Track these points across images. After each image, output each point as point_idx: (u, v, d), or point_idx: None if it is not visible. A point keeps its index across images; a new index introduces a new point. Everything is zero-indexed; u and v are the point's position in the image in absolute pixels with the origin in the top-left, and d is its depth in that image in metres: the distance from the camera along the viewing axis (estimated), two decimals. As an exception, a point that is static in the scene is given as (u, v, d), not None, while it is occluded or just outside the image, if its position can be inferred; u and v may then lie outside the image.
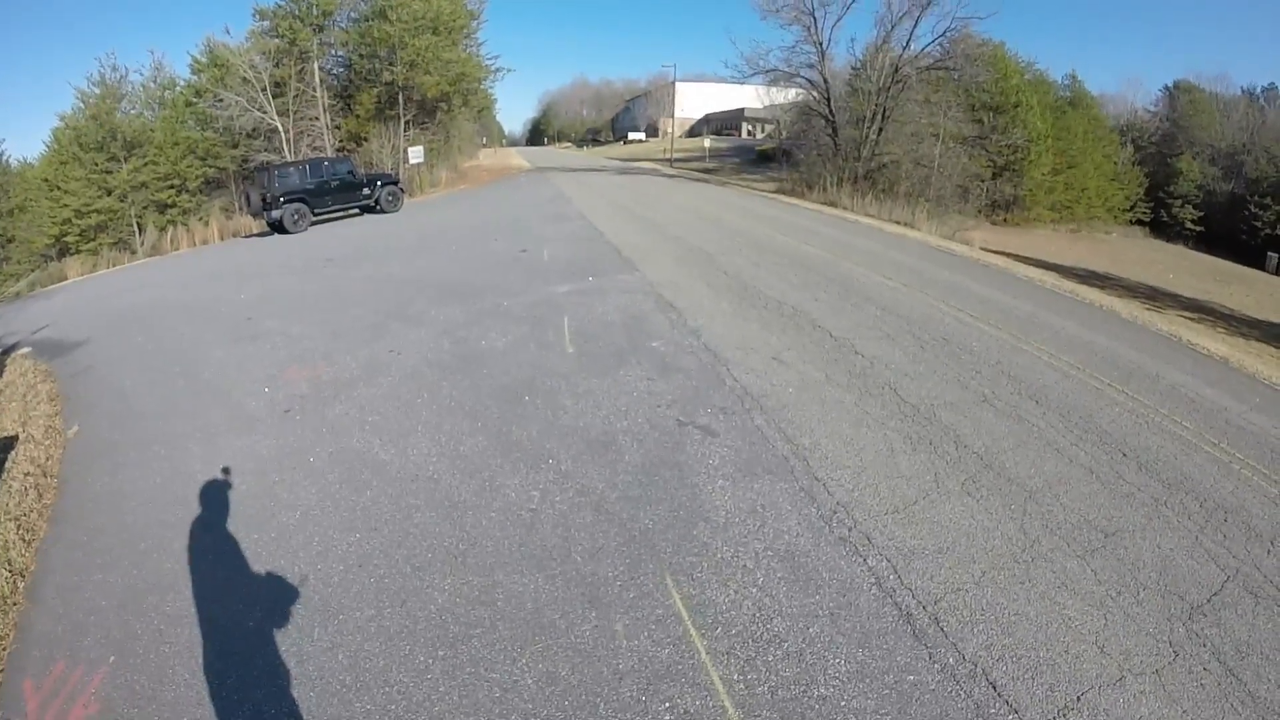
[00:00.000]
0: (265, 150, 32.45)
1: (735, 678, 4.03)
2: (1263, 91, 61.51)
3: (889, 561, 5.05)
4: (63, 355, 11.60)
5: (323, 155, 31.71)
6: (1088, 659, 4.20)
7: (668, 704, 3.87)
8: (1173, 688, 4.02)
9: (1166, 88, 63.68)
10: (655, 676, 4.05)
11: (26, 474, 7.11)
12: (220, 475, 6.68)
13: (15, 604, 5.16)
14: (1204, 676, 4.11)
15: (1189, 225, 52.13)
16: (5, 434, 8.25)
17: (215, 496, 6.31)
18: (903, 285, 13.06)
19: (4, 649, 4.70)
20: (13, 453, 7.69)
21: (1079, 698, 3.93)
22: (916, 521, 5.54)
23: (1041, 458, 6.59)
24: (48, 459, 7.56)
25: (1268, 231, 46.94)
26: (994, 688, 3.97)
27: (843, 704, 3.86)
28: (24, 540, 5.93)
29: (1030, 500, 5.87)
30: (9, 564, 5.55)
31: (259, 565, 5.26)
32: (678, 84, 75.90)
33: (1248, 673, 4.16)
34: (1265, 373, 9.88)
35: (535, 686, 4.01)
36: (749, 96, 60.03)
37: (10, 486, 6.83)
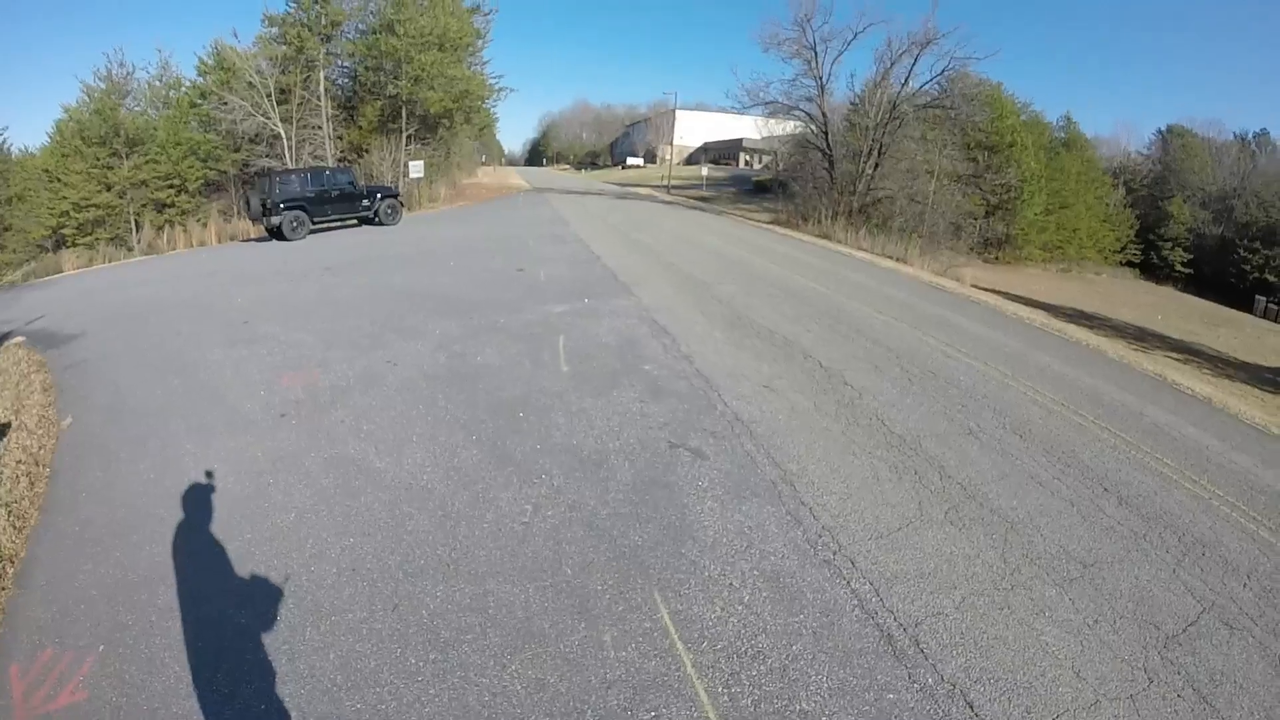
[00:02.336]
0: (267, 156, 32.60)
1: (720, 690, 4.12)
2: (1254, 137, 62.39)
3: (871, 584, 5.15)
4: (57, 347, 11.59)
5: (324, 165, 31.90)
6: (1064, 683, 4.30)
7: (653, 713, 3.95)
8: (1147, 713, 4.12)
9: (1159, 131, 64.84)
10: (642, 686, 4.13)
11: (19, 462, 7.11)
12: (215, 474, 6.72)
13: (3, 589, 5.18)
14: (1178, 703, 4.22)
15: (1179, 268, 52.81)
16: (-2, 423, 8.25)
17: (209, 495, 6.35)
18: (893, 319, 13.24)
19: (-9, 633, 4.72)
20: (4, 440, 7.69)
21: (1054, 721, 4.03)
22: (900, 547, 5.65)
23: (1024, 490, 6.72)
24: (40, 448, 7.56)
25: (1256, 275, 47.66)
26: (971, 708, 4.07)
27: (823, 719, 3.95)
28: (14, 527, 5.94)
29: (1011, 530, 5.99)
30: (-1, 550, 5.58)
31: (251, 564, 5.31)
32: (678, 111, 76.62)
33: (1221, 700, 4.27)
34: (1248, 413, 10.05)
35: (524, 692, 4.08)
36: (748, 127, 60.73)
37: (1, 473, 6.84)
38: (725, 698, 4.07)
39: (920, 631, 4.68)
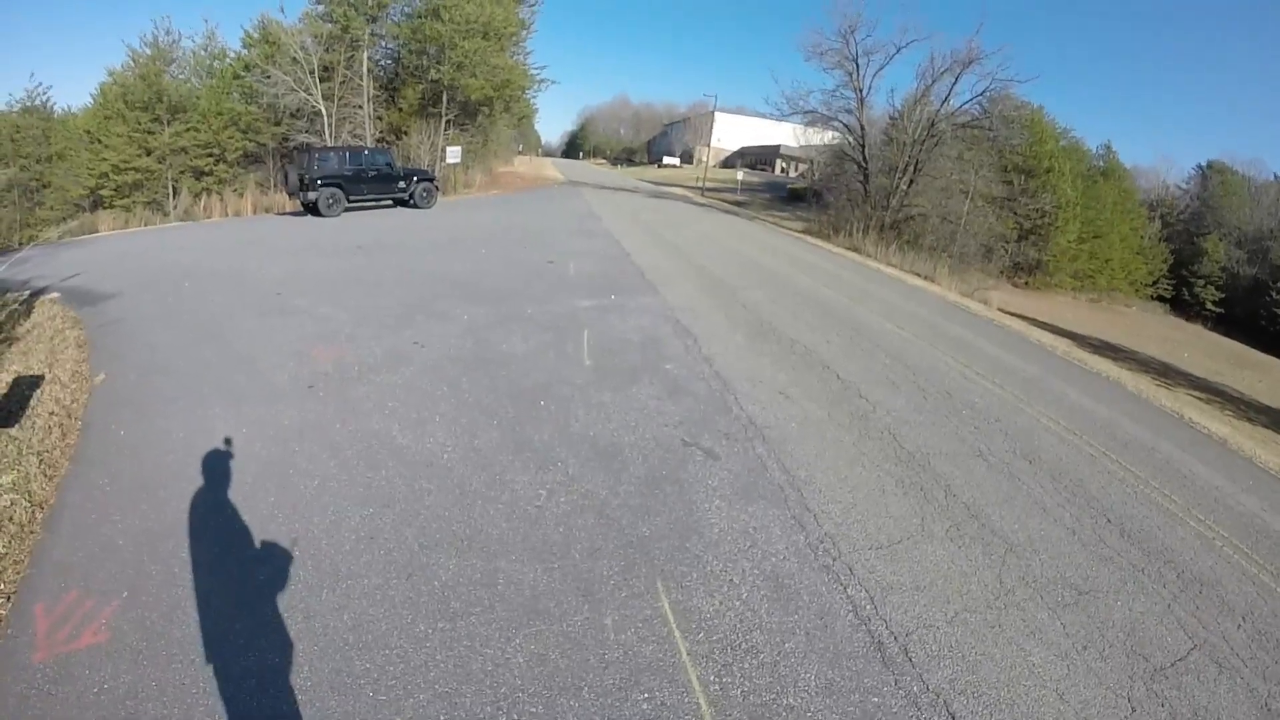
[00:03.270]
0: (306, 132, 32.93)
1: (711, 679, 4.28)
2: (1295, 178, 61.30)
3: (867, 592, 5.29)
4: (92, 305, 11.82)
5: (363, 144, 32.27)
6: (1046, 704, 4.41)
7: (646, 695, 4.12)
8: (1127, 742, 4.19)
9: (1199, 166, 63.86)
10: (637, 669, 4.30)
11: (51, 413, 7.34)
12: (243, 438, 6.93)
13: (33, 533, 5.40)
14: (1158, 735, 4.28)
15: (1210, 306, 52.05)
16: (32, 373, 8.47)
17: (236, 457, 6.56)
18: (915, 337, 13.31)
19: (18, 574, 4.93)
20: (38, 391, 7.91)
21: (1033, 739, 4.14)
22: (898, 559, 5.78)
23: (1027, 514, 6.81)
24: (73, 402, 7.79)
25: (1289, 319, 46.89)
26: (953, 718, 4.20)
27: (808, 715, 4.10)
28: (45, 475, 6.17)
29: (1010, 552, 6.09)
30: (29, 495, 5.79)
31: (274, 526, 5.52)
32: (717, 114, 76.36)
33: (1202, 737, 4.32)
34: (1263, 456, 9.99)
35: (525, 665, 4.27)
36: (786, 134, 60.57)
37: (34, 423, 7.06)
38: (716, 686, 4.23)
39: (910, 641, 4.81)
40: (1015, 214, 39.67)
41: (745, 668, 4.40)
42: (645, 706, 4.04)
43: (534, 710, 3.96)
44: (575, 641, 4.50)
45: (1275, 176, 61.74)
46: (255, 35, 33.94)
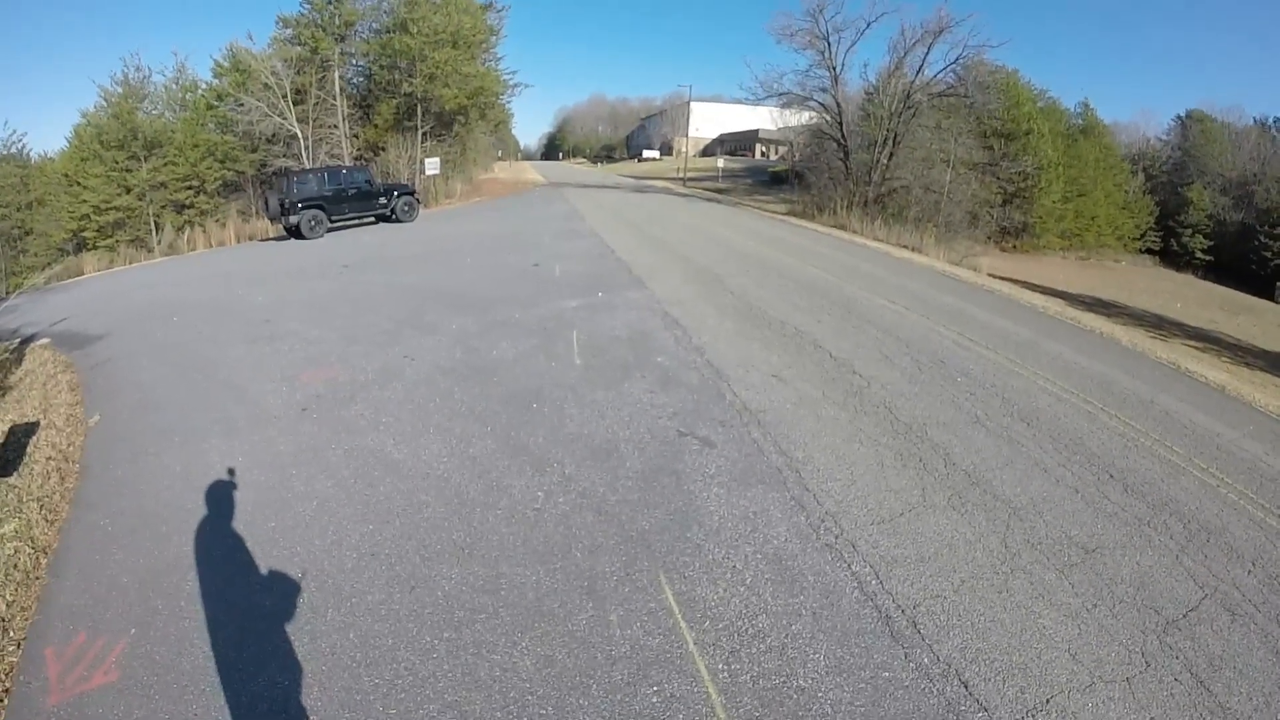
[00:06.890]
0: (284, 156, 32.92)
1: (720, 667, 4.27)
2: (1275, 122, 61.24)
3: (872, 568, 5.27)
4: (82, 348, 11.87)
5: (341, 163, 32.25)
6: (1059, 665, 4.39)
7: (656, 688, 4.11)
8: (1143, 696, 4.18)
9: (1179, 117, 63.92)
10: (645, 663, 4.29)
11: (49, 458, 7.37)
12: (239, 467, 6.93)
13: (38, 578, 5.41)
14: (1174, 687, 4.27)
15: (1199, 255, 52.18)
16: (27, 420, 8.49)
17: (234, 486, 6.56)
18: (905, 309, 13.28)
19: (27, 619, 4.94)
20: (34, 438, 7.94)
21: (1048, 700, 4.12)
22: (901, 532, 5.76)
23: (1028, 477, 6.79)
24: (69, 445, 7.81)
25: (1278, 262, 46.97)
26: (966, 687, 4.18)
27: (820, 695, 4.09)
28: (47, 520, 6.18)
29: (1014, 516, 6.07)
30: (32, 541, 5.81)
31: (276, 551, 5.51)
32: (693, 104, 76.32)
33: (1219, 685, 4.31)
34: (1263, 400, 9.97)
35: (533, 668, 4.26)
36: (763, 118, 60.51)
37: (33, 469, 7.10)
38: (725, 674, 4.22)
39: (918, 613, 4.80)
40: (998, 179, 39.67)
41: (753, 653, 4.39)
42: (655, 700, 4.03)
43: (543, 712, 3.96)
44: (581, 640, 4.49)
45: (1255, 121, 61.91)
46: (225, 64, 33.93)
